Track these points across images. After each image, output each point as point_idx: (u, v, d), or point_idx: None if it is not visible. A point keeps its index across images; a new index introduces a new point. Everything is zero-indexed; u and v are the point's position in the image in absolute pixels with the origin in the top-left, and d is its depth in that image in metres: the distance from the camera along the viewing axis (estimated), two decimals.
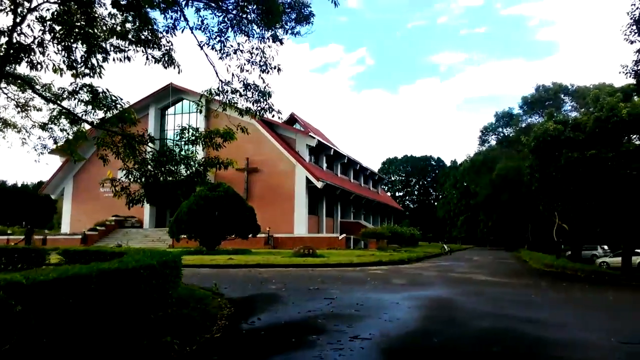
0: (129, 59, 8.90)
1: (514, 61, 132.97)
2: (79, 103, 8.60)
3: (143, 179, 9.30)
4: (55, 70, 8.24)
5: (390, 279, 12.64)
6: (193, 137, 9.53)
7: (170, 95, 36.61)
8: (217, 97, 9.45)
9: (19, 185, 58.32)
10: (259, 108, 9.24)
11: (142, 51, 8.98)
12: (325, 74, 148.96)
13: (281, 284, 11.32)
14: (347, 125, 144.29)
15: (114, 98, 8.94)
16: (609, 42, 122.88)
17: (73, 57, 7.97)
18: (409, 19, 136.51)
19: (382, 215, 54.99)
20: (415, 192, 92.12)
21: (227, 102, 9.38)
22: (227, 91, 9.31)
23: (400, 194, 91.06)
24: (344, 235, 31.19)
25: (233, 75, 8.99)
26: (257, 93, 8.94)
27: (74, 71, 8.12)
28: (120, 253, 9.13)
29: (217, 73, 9.03)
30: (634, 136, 17.39)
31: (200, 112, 9.95)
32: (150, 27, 8.59)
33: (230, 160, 9.85)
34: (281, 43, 8.69)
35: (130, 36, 8.82)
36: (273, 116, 9.18)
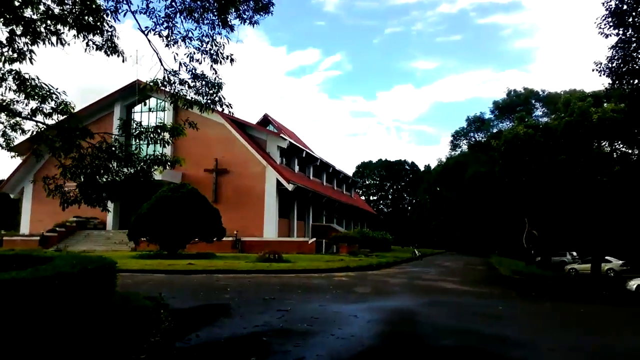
0: (62, 43, 8.04)
1: (487, 69, 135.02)
2: (7, 91, 7.67)
3: (82, 178, 8.41)
4: None
5: (353, 287, 11.97)
6: (136, 132, 8.64)
7: (137, 91, 35.29)
8: (163, 89, 8.61)
9: None
10: (209, 100, 8.45)
11: (83, 36, 8.13)
12: (302, 78, 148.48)
13: (237, 292, 10.52)
14: (322, 129, 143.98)
15: (48, 88, 8.05)
16: (580, 46, 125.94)
17: None
18: (386, 25, 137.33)
19: (355, 219, 54.51)
20: (390, 197, 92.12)
21: (175, 94, 8.56)
22: (174, 82, 8.50)
23: (375, 198, 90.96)
24: (314, 239, 30.47)
25: (181, 64, 8.19)
26: (207, 84, 8.17)
27: None
28: (50, 258, 8.16)
29: (161, 61, 8.20)
30: (604, 142, 17.21)
31: (145, 104, 8.96)
32: (94, 6, 7.78)
33: (178, 158, 9.05)
34: (232, 29, 7.96)
35: (70, 20, 7.96)
36: (223, 110, 8.39)
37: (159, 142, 8.90)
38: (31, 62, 7.98)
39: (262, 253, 20.03)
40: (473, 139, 46.39)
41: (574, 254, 28.21)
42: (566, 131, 16.10)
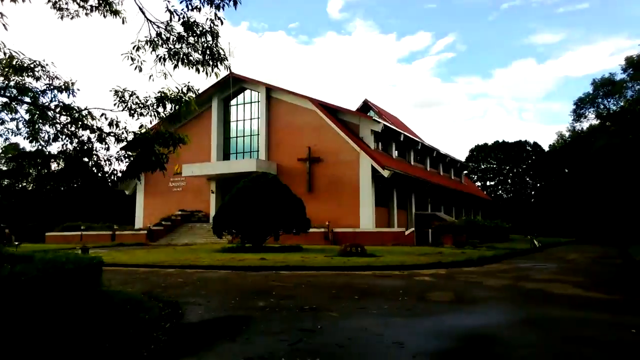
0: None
1: (620, 37, 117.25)
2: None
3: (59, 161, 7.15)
4: None
5: (430, 292, 9.39)
6: (135, 105, 7.04)
7: (231, 85, 35.32)
8: (160, 50, 6.91)
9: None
10: (207, 59, 6.59)
11: None
12: (413, 63, 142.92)
13: (279, 298, 8.63)
14: (436, 115, 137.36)
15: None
16: None
17: None
18: (501, 1, 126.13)
19: (467, 206, 49.94)
20: (509, 181, 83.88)
21: (172, 53, 6.82)
22: (169, 39, 6.76)
23: (492, 183, 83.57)
24: (412, 229, 27.68)
25: (172, 13, 6.41)
26: (201, 34, 6.31)
27: None
28: (30, 257, 6.98)
29: (143, 12, 6.49)
30: None
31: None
32: None
33: (183, 136, 7.31)
34: None
35: None
36: (218, 68, 6.49)
37: (164, 116, 7.23)
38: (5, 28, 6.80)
39: (344, 246, 18.00)
40: (602, 106, 38.53)
41: None
42: None
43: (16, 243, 21.88)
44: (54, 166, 8.71)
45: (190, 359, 5.10)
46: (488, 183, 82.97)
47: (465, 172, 55.94)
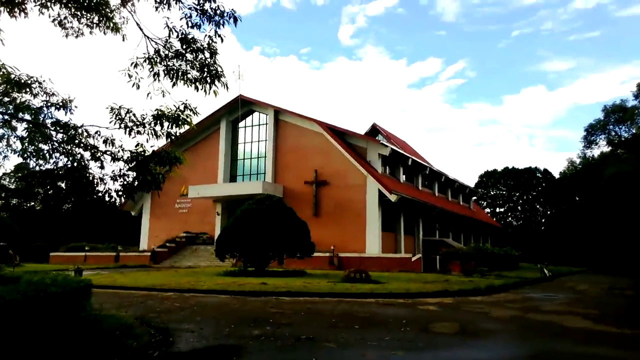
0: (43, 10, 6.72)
1: (629, 65, 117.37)
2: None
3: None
4: None
5: (433, 323, 8.99)
6: (131, 123, 6.86)
7: (239, 107, 35.51)
8: (157, 67, 6.81)
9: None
10: (205, 76, 6.46)
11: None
12: (423, 89, 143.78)
13: (275, 326, 8.29)
14: (446, 140, 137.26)
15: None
16: None
17: None
18: (511, 28, 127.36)
19: (475, 233, 49.24)
20: (519, 208, 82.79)
21: (170, 70, 6.71)
22: (167, 56, 6.65)
23: (502, 210, 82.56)
24: (418, 255, 27.15)
25: (171, 30, 6.31)
26: (198, 50, 6.20)
27: None
28: (14, 279, 6.77)
29: (141, 29, 6.42)
30: None
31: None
32: None
33: (177, 154, 7.13)
34: None
35: None
36: (216, 86, 6.33)
37: (161, 135, 7.06)
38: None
39: (348, 272, 17.59)
40: (613, 133, 38.10)
41: None
42: None
43: (15, 263, 21.70)
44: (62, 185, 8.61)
45: None
46: (497, 209, 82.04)
47: (474, 198, 55.37)
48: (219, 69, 6.29)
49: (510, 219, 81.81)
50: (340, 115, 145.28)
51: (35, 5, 6.63)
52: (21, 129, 7.62)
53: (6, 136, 7.65)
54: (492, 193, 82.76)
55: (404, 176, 36.23)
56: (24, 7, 6.52)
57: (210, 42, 6.21)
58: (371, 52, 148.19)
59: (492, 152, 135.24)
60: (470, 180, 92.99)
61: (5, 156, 8.09)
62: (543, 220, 78.68)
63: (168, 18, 6.38)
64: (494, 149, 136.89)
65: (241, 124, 37.58)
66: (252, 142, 36.93)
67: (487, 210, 77.78)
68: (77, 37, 7.56)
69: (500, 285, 17.84)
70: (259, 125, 36.87)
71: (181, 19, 6.35)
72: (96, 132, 6.82)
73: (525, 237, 69.51)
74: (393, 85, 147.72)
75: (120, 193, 7.30)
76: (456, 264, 27.51)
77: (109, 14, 7.15)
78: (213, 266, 27.95)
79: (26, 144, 7.13)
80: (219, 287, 15.07)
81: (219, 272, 21.07)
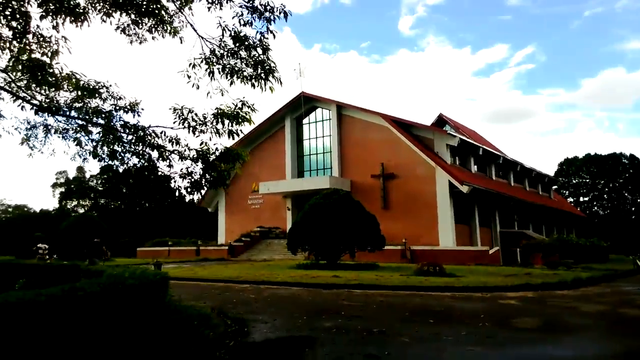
0: (108, 17, 7.06)
1: None
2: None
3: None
4: None
5: (515, 318, 8.51)
6: (194, 122, 7.05)
7: (302, 104, 35.85)
8: (216, 67, 6.94)
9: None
10: (260, 72, 6.50)
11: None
12: (491, 77, 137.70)
13: (347, 319, 8.24)
14: (517, 129, 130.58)
15: (83, 79, 7.16)
16: None
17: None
18: (582, 8, 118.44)
19: (558, 224, 46.35)
20: (605, 197, 76.89)
21: (225, 68, 6.81)
22: (222, 55, 6.76)
23: (586, 199, 77.14)
24: (496, 248, 26.03)
25: (224, 29, 6.41)
26: (251, 46, 6.25)
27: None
28: (98, 272, 7.19)
29: (195, 30, 6.56)
30: None
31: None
32: None
33: (242, 152, 7.24)
34: None
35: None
36: (270, 82, 6.34)
37: (223, 132, 7.20)
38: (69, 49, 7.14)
39: (421, 265, 17.19)
40: None
41: None
42: None
43: (106, 257, 23.34)
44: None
45: None
46: (581, 199, 76.84)
47: (555, 187, 52.16)
48: (272, 64, 6.33)
49: (595, 208, 76.32)
50: (404, 108, 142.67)
51: (97, 14, 6.96)
52: (95, 132, 8.07)
53: (83, 140, 8.11)
54: (574, 181, 77.61)
55: (476, 167, 34.81)
56: (87, 15, 6.87)
57: (262, 38, 6.25)
58: (433, 42, 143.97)
59: (569, 139, 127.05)
60: (549, 169, 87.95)
61: (84, 159, 8.61)
62: (633, 209, 72.67)
63: (220, 17, 6.49)
64: (571, 135, 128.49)
65: (305, 120, 37.94)
66: (316, 137, 37.17)
67: (570, 199, 73.09)
68: (140, 43, 7.81)
69: (588, 278, 16.60)
70: (322, 120, 37.02)
71: (233, 17, 6.42)
72: (162, 132, 7.10)
73: (614, 227, 64.51)
74: (458, 74, 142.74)
75: (189, 190, 7.54)
76: (538, 256, 26.06)
77: (168, 19, 7.38)
78: (286, 259, 28.43)
79: (100, 146, 7.53)
80: (292, 279, 15.31)
81: (292, 265, 21.42)
